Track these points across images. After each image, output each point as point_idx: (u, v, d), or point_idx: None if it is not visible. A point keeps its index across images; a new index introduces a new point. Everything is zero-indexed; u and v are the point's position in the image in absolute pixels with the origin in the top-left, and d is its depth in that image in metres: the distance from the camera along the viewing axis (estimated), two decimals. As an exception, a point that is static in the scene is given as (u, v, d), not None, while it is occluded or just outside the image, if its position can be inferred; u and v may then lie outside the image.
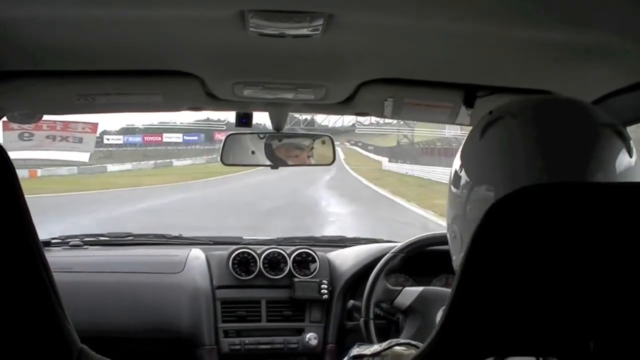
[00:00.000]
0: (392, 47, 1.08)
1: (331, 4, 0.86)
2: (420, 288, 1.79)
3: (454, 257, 0.79)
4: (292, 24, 0.90)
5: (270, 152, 1.76)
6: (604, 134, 0.67)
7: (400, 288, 1.80)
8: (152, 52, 1.15)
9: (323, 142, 1.80)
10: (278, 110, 1.59)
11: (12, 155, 0.59)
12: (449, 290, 1.83)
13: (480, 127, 0.73)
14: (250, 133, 1.72)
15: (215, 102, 1.48)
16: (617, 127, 0.68)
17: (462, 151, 0.76)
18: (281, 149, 1.77)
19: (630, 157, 0.67)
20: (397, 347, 0.77)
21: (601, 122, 0.68)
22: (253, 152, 1.75)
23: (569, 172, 0.65)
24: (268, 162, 1.76)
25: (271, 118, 1.62)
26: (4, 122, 1.54)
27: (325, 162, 1.82)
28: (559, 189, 0.55)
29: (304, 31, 0.92)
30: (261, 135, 1.74)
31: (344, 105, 1.51)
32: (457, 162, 0.76)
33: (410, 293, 1.78)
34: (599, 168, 0.65)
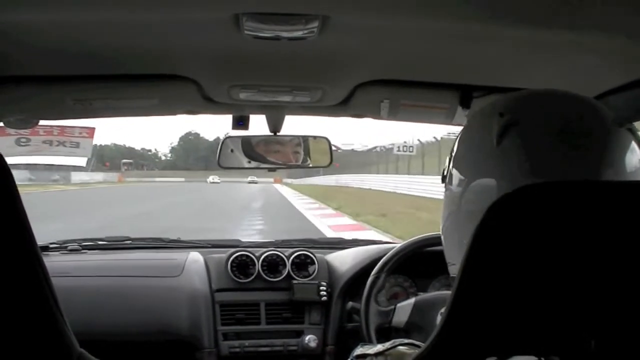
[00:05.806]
0: (387, 49, 1.08)
1: (326, 6, 0.86)
2: (412, 300, 1.79)
3: (447, 257, 0.77)
4: (287, 26, 0.90)
5: (249, 149, 1.68)
6: (615, 131, 0.66)
7: (392, 307, 1.80)
8: (147, 56, 1.15)
9: (319, 143, 1.78)
10: (275, 113, 1.59)
11: (10, 160, 0.59)
12: (440, 293, 1.85)
13: (492, 132, 0.68)
14: (247, 136, 1.72)
15: (212, 105, 1.48)
16: (629, 124, 0.67)
17: (464, 153, 0.73)
18: (260, 145, 1.70)
19: None
20: (400, 347, 0.77)
21: (612, 118, 0.67)
22: (232, 151, 1.67)
23: (582, 171, 0.64)
24: (246, 161, 1.67)
25: (268, 121, 1.62)
26: (0, 127, 1.54)
27: (322, 163, 1.81)
28: (560, 188, 0.54)
29: (299, 33, 0.92)
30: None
31: (341, 108, 1.51)
32: (459, 163, 0.73)
33: (404, 309, 1.78)
34: (610, 166, 0.64)
